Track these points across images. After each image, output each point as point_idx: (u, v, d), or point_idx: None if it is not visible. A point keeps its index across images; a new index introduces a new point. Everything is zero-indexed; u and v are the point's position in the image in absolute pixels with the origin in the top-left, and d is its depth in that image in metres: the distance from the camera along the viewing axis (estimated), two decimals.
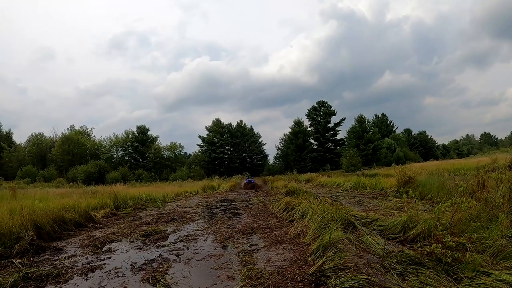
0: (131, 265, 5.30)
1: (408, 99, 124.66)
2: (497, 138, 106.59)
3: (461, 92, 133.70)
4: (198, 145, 71.39)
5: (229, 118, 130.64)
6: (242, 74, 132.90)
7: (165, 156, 68.57)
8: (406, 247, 5.21)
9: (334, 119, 69.99)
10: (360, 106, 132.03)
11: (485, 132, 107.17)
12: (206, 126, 71.58)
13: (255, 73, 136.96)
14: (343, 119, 69.99)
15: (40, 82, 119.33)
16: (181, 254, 5.90)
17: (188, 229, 8.65)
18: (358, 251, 4.95)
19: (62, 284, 4.54)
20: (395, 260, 4.35)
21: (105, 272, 4.95)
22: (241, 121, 75.17)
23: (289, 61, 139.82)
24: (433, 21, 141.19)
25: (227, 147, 70.84)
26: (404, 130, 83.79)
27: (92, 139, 70.26)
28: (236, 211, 12.24)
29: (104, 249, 6.57)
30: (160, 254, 5.96)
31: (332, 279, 3.94)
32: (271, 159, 76.53)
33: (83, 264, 5.47)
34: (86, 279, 4.69)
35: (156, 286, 4.29)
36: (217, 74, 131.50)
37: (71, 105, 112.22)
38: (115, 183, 35.05)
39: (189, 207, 14.27)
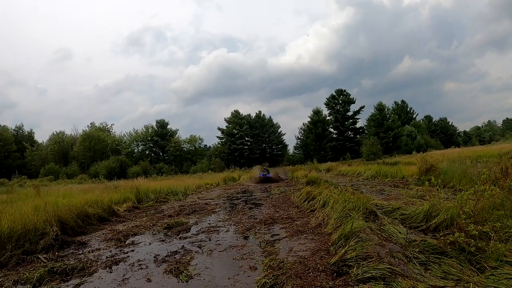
0: (154, 257, 5.39)
1: (427, 85, 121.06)
2: None
3: (481, 77, 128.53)
4: (217, 137, 71.78)
5: (248, 109, 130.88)
6: (260, 65, 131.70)
7: (185, 149, 69.21)
8: (428, 236, 5.15)
9: (353, 107, 69.11)
10: (379, 93, 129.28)
11: (507, 118, 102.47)
12: (225, 118, 71.90)
13: (273, 63, 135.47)
14: (362, 107, 69.08)
15: (60, 82, 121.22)
16: (204, 246, 5.98)
17: (209, 220, 8.75)
18: (380, 241, 4.94)
19: (87, 277, 4.63)
20: (417, 250, 4.31)
21: (129, 265, 5.05)
22: (259, 111, 75.09)
23: (306, 50, 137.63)
24: (451, 4, 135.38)
25: (246, 138, 70.94)
26: (425, 117, 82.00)
27: (112, 135, 71.50)
28: (257, 202, 12.33)
29: (127, 242, 6.69)
30: (183, 245, 6.05)
31: (354, 269, 3.91)
32: (290, 149, 76.37)
33: (107, 257, 5.58)
34: (110, 272, 4.79)
35: (179, 277, 4.36)
36: (234, 66, 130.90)
37: (91, 103, 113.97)
38: (136, 177, 35.67)
39: (210, 199, 14.44)
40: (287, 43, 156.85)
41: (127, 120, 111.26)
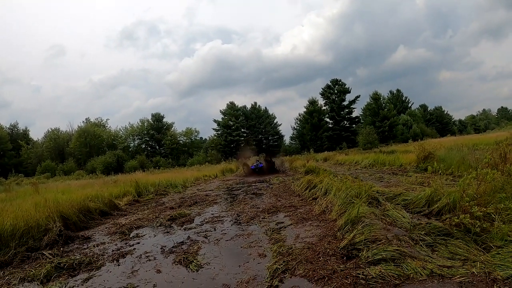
0: (161, 248, 5.40)
1: (422, 74, 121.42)
2: None
3: (476, 66, 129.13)
4: (213, 129, 71.60)
5: (244, 100, 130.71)
6: (255, 56, 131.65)
7: (181, 141, 69.15)
8: (432, 220, 5.23)
9: (348, 97, 69.23)
10: (374, 83, 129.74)
11: (502, 107, 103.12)
12: (220, 110, 71.72)
13: (268, 54, 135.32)
14: (357, 97, 69.19)
15: (54, 79, 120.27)
16: (209, 236, 6.01)
17: (212, 211, 8.78)
18: (384, 225, 5.01)
19: (94, 271, 4.62)
20: (423, 232, 4.43)
21: (136, 257, 5.05)
22: (255, 103, 75.02)
23: (301, 40, 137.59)
24: None
25: (242, 130, 70.91)
26: (420, 106, 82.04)
27: (108, 130, 71.23)
28: (258, 192, 12.36)
29: (131, 235, 6.68)
30: (188, 236, 6.06)
31: (364, 252, 4.04)
32: (287, 140, 76.52)
33: (113, 250, 5.57)
34: (118, 265, 4.78)
35: (189, 267, 4.38)
36: (229, 57, 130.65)
37: (86, 99, 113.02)
38: (134, 171, 35.66)
39: (209, 190, 14.45)
40: (282, 34, 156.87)
41: (123, 115, 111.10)
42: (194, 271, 4.24)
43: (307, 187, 10.46)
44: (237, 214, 8.00)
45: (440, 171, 12.53)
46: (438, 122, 79.37)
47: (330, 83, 69.77)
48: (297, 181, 13.53)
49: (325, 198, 7.97)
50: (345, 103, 69.07)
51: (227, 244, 5.41)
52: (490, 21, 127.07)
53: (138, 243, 5.96)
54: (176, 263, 4.61)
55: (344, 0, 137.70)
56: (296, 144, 70.97)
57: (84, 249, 5.88)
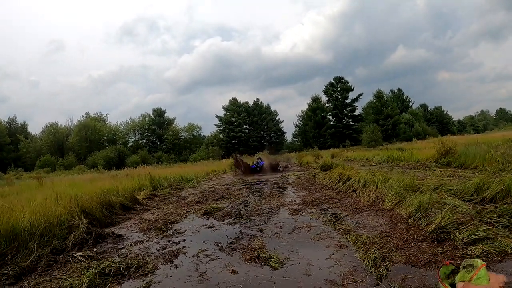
0: (216, 245, 4.87)
1: (421, 75, 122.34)
2: None
3: (476, 67, 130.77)
4: (215, 125, 71.37)
5: (243, 98, 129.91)
6: (254, 54, 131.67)
7: (182, 137, 68.69)
8: (491, 205, 5.37)
9: (351, 95, 69.09)
10: (372, 82, 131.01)
11: (500, 108, 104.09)
12: (223, 106, 71.52)
13: (267, 52, 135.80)
14: (360, 95, 69.13)
15: (53, 75, 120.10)
16: (264, 229, 5.57)
17: (246, 205, 8.36)
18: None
19: (149, 276, 3.86)
20: (495, 215, 4.67)
21: (193, 257, 4.44)
22: (257, 99, 74.80)
23: (301, 38, 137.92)
24: None
25: (244, 126, 70.59)
26: (420, 105, 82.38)
27: (108, 125, 70.57)
28: (282, 186, 12.04)
29: (170, 231, 6.03)
30: (240, 231, 5.61)
31: (456, 234, 4.16)
32: (288, 137, 76.39)
33: (158, 249, 4.89)
34: (176, 267, 4.09)
35: (268, 264, 3.91)
36: (229, 55, 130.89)
37: (85, 95, 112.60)
38: (135, 166, 35.16)
39: (227, 185, 14.05)
40: (282, 32, 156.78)
41: (121, 111, 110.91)
42: (277, 269, 3.77)
43: (339, 180, 10.45)
44: (276, 207, 7.63)
45: (463, 165, 12.63)
46: (438, 122, 79.80)
47: (333, 81, 69.62)
48: (318, 175, 13.54)
49: (368, 190, 7.96)
50: (348, 101, 68.88)
51: (291, 237, 5.01)
52: (490, 23, 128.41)
53: (184, 240, 5.38)
54: (248, 261, 4.10)
55: None
56: (299, 141, 70.71)
57: (121, 249, 5.12)
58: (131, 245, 5.27)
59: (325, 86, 70.19)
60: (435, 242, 4.17)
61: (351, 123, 69.13)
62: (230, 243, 4.95)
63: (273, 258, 4.02)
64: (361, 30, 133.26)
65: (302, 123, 70.73)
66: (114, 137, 67.18)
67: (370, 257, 3.80)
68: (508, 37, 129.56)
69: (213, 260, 4.27)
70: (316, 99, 68.96)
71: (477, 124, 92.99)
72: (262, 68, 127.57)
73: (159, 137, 68.10)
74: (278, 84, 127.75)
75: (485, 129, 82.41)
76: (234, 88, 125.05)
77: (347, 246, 4.39)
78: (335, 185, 10.28)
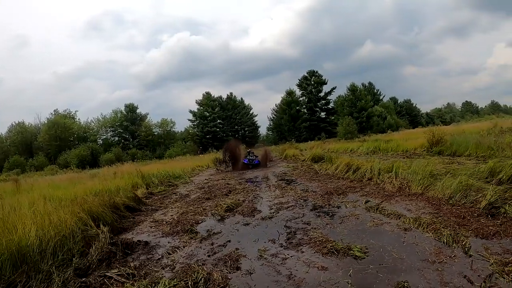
0: (272, 242, 4.55)
1: (388, 69, 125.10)
2: (477, 107, 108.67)
3: (441, 62, 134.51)
4: (189, 120, 70.04)
5: (212, 92, 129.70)
6: (223, 48, 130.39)
7: (156, 133, 67.19)
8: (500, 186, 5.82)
9: (325, 88, 69.52)
10: (339, 77, 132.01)
11: (466, 101, 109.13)
12: (196, 100, 70.24)
13: (236, 46, 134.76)
14: (334, 88, 69.49)
15: (18, 71, 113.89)
16: (310, 222, 5.36)
17: (262, 199, 8.07)
18: None
19: None
20: None
21: (258, 259, 4.00)
22: (231, 93, 73.92)
23: (270, 33, 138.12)
24: None
25: (219, 121, 69.83)
26: (390, 98, 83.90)
27: (77, 122, 67.80)
28: (286, 178, 11.84)
29: (203, 233, 5.45)
30: (285, 225, 5.35)
31: (506, 207, 4.69)
32: (262, 131, 76.36)
33: (207, 255, 4.30)
34: (250, 273, 3.62)
35: (350, 255, 3.74)
36: (197, 49, 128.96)
37: (51, 92, 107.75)
38: (110, 165, 34.10)
39: (221, 179, 13.68)
40: (251, 26, 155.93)
41: (88, 108, 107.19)
42: (364, 258, 3.62)
43: (347, 170, 10.72)
44: (299, 199, 7.44)
45: (456, 153, 13.02)
46: (408, 114, 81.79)
47: (306, 74, 69.73)
48: (312, 166, 13.68)
49: (388, 177, 8.31)
50: (322, 94, 69.33)
51: (346, 226, 4.96)
52: (455, 20, 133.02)
53: (229, 241, 4.89)
54: (327, 254, 3.86)
55: None
56: (274, 135, 70.72)
57: (159, 259, 4.39)
58: (168, 253, 4.61)
59: (299, 80, 70.30)
60: (489, 216, 4.67)
61: (324, 116, 69.65)
62: (287, 238, 4.65)
63: (353, 248, 3.84)
64: (329, 25, 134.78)
65: (276, 116, 70.72)
66: (85, 134, 64.70)
67: (444, 234, 4.07)
68: (472, 33, 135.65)
69: (285, 259, 3.93)
70: (290, 93, 69.02)
71: (445, 116, 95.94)
72: (231, 63, 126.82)
73: (131, 133, 66.23)
74: (246, 79, 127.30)
75: (452, 121, 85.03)
76: (202, 83, 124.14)
77: (410, 228, 4.54)
78: (344, 174, 10.45)
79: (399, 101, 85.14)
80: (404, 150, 17.68)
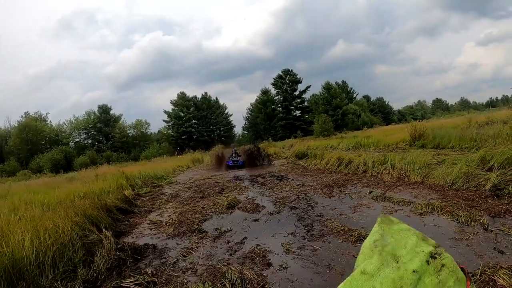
0: (293, 235, 4.45)
1: (360, 68, 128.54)
2: (448, 104, 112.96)
3: (412, 61, 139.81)
4: (164, 120, 68.97)
5: (186, 93, 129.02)
6: (195, 48, 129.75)
7: (130, 134, 65.77)
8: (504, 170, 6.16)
9: (300, 87, 69.96)
10: (312, 76, 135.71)
11: (437, 98, 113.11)
12: (171, 100, 69.23)
13: (209, 46, 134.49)
14: (308, 87, 69.99)
15: None
16: (321, 213, 5.41)
17: (258, 195, 8.00)
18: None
19: None
20: None
21: (286, 254, 3.87)
22: (206, 93, 73.34)
23: (243, 33, 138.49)
24: None
25: (194, 121, 69.11)
26: (363, 96, 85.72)
27: (49, 124, 65.40)
28: (275, 175, 11.84)
29: (212, 232, 5.23)
30: (298, 218, 5.35)
31: (510, 188, 5.14)
32: (237, 130, 76.23)
33: (228, 254, 4.13)
34: (285, 268, 3.51)
35: None
36: (170, 49, 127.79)
37: (21, 93, 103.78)
38: (85, 168, 33.15)
39: (208, 179, 13.53)
40: (224, 26, 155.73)
41: (60, 109, 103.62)
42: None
43: (339, 164, 11.00)
44: (300, 193, 7.46)
45: (439, 146, 13.35)
46: (381, 112, 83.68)
47: (281, 73, 69.98)
48: (298, 162, 13.83)
49: (383, 169, 8.64)
50: (296, 93, 69.74)
51: (362, 216, 5.09)
52: (426, 20, 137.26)
53: (245, 238, 4.72)
54: (356, 242, 3.88)
55: None
56: (249, 134, 70.60)
57: (175, 263, 4.08)
58: (183, 255, 4.32)
59: (274, 79, 70.44)
60: (495, 197, 5.08)
61: (299, 114, 70.10)
62: (307, 231, 4.61)
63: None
64: (303, 25, 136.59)
65: (251, 115, 70.66)
66: (57, 137, 62.52)
67: (460, 215, 4.39)
68: (443, 33, 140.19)
69: (315, 250, 3.86)
70: (266, 92, 69.08)
71: (416, 113, 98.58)
72: (203, 63, 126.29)
73: (105, 135, 64.58)
74: (219, 79, 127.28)
75: (423, 118, 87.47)
76: (175, 83, 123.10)
77: (426, 212, 4.76)
78: (336, 168, 10.68)
79: (371, 99, 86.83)
80: (386, 144, 17.90)
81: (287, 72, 69.82)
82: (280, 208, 6.20)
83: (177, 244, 4.93)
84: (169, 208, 8.01)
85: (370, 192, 6.59)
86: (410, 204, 5.29)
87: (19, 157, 56.12)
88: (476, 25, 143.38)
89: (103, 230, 5.10)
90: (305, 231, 4.62)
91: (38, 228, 4.29)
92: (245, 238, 4.76)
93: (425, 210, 4.83)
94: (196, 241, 4.89)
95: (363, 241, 3.72)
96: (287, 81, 69.32)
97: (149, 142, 63.96)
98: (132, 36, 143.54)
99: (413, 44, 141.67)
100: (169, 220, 6.54)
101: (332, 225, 4.63)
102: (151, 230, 6.06)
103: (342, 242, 3.99)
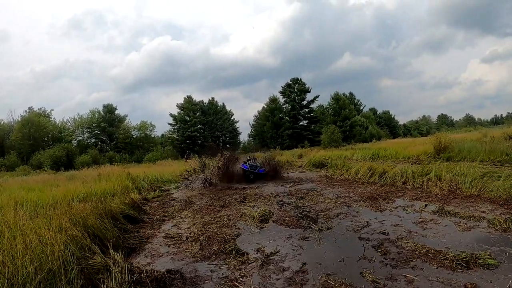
0: (368, 261, 3.53)
1: (365, 80, 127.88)
2: (452, 119, 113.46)
3: (416, 75, 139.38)
4: (169, 124, 68.09)
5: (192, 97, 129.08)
6: (203, 54, 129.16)
7: (134, 136, 64.85)
8: None
9: (308, 97, 69.13)
10: (317, 87, 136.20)
11: (442, 114, 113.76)
12: (177, 104, 68.46)
13: (216, 53, 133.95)
14: (317, 97, 69.13)
15: None
16: (385, 231, 4.63)
17: (293, 207, 6.92)
18: None
19: None
20: None
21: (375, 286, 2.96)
22: (212, 98, 72.69)
23: (251, 41, 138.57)
24: (394, 8, 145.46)
25: (199, 126, 68.19)
26: (370, 109, 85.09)
27: (52, 121, 64.52)
28: (300, 184, 10.78)
29: (254, 254, 4.13)
30: (359, 236, 4.44)
31: None
32: (242, 137, 75.44)
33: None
34: None
35: (481, 264, 3.07)
36: (177, 54, 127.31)
37: (26, 90, 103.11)
38: (87, 167, 32.09)
39: (222, 185, 12.37)
40: (232, 33, 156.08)
41: (64, 108, 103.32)
42: (498, 265, 3.14)
43: (372, 174, 10.43)
44: (342, 205, 6.66)
45: (466, 159, 12.55)
46: (387, 125, 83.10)
47: (290, 82, 69.23)
48: (314, 171, 12.83)
49: (426, 180, 8.15)
50: (305, 102, 68.91)
51: (433, 233, 4.40)
52: (431, 36, 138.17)
53: (305, 263, 3.64)
54: (455, 269, 3.04)
55: (296, 4, 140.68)
56: (256, 142, 69.61)
57: None
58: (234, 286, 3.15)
59: (282, 87, 69.70)
60: None
61: (307, 124, 69.11)
62: (382, 254, 3.69)
63: (481, 256, 3.21)
64: (310, 36, 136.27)
65: (258, 123, 69.72)
66: (60, 134, 61.52)
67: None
68: (448, 49, 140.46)
69: (411, 283, 2.94)
70: (274, 100, 68.27)
71: (421, 128, 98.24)
72: (210, 69, 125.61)
73: (109, 135, 63.59)
74: (224, 86, 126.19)
75: (428, 133, 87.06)
76: (180, 88, 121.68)
77: (509, 228, 4.20)
78: (368, 179, 10.15)
79: (378, 112, 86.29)
80: (406, 157, 17.09)
81: (295, 81, 69.00)
82: (328, 224, 5.16)
83: (211, 271, 3.71)
84: (185, 217, 6.84)
85: (426, 206, 5.94)
86: (483, 219, 4.66)
87: (20, 152, 55.24)
88: (481, 42, 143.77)
89: (110, 249, 3.87)
90: (379, 254, 3.63)
91: (17, 245, 3.05)
92: (305, 264, 3.62)
93: (505, 226, 4.23)
94: (238, 267, 3.71)
95: (463, 265, 2.77)
96: (296, 90, 68.47)
97: (153, 145, 63.02)
98: (140, 39, 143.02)
99: (418, 58, 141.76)
100: (190, 234, 5.34)
101: (408, 246, 3.73)
102: (169, 246, 4.84)
103: (437, 268, 3.07)
